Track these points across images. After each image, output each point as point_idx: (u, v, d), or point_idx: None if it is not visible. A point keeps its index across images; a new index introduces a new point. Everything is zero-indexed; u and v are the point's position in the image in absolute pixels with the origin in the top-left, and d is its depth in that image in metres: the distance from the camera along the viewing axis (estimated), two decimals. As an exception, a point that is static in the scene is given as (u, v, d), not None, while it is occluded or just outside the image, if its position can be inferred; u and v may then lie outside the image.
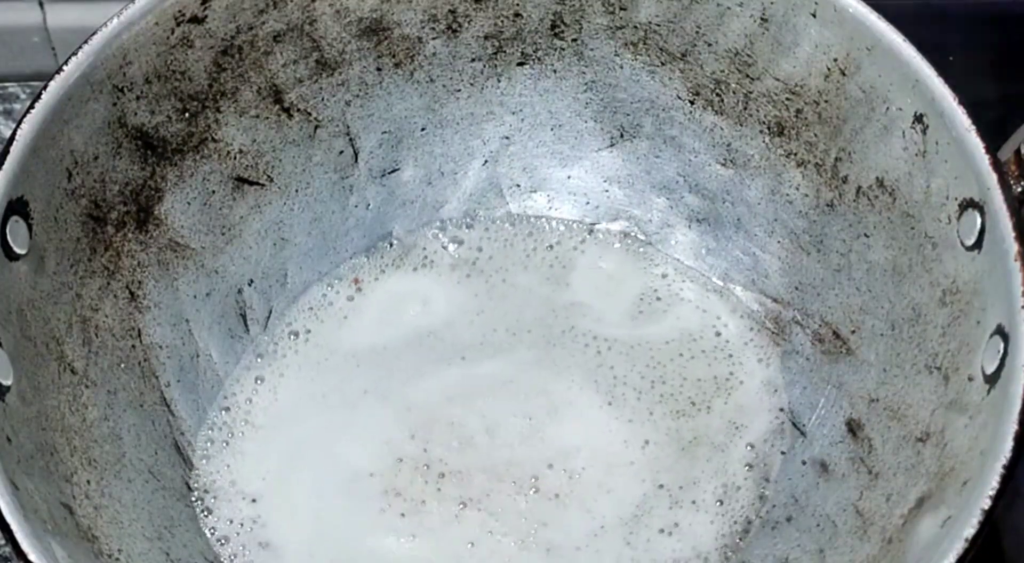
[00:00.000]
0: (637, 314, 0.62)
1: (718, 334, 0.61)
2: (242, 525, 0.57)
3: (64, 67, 0.52)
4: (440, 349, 0.61)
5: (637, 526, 0.57)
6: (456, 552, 0.57)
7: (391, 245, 0.63)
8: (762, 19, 0.56)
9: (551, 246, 0.63)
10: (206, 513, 0.57)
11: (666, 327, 0.61)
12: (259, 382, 0.60)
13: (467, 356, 0.61)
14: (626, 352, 0.61)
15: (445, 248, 0.63)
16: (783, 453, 0.58)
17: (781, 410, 0.59)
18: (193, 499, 0.57)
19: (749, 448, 0.58)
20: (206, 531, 0.57)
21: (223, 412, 0.59)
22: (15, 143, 0.50)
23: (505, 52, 0.60)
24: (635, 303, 0.62)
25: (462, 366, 0.61)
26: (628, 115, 0.61)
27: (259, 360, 0.61)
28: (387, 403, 0.60)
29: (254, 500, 0.58)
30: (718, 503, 0.57)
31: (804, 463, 0.57)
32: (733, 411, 0.59)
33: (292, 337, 0.61)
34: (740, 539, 0.57)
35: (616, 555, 0.56)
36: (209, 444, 0.59)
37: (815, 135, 0.57)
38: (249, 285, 0.61)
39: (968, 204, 0.50)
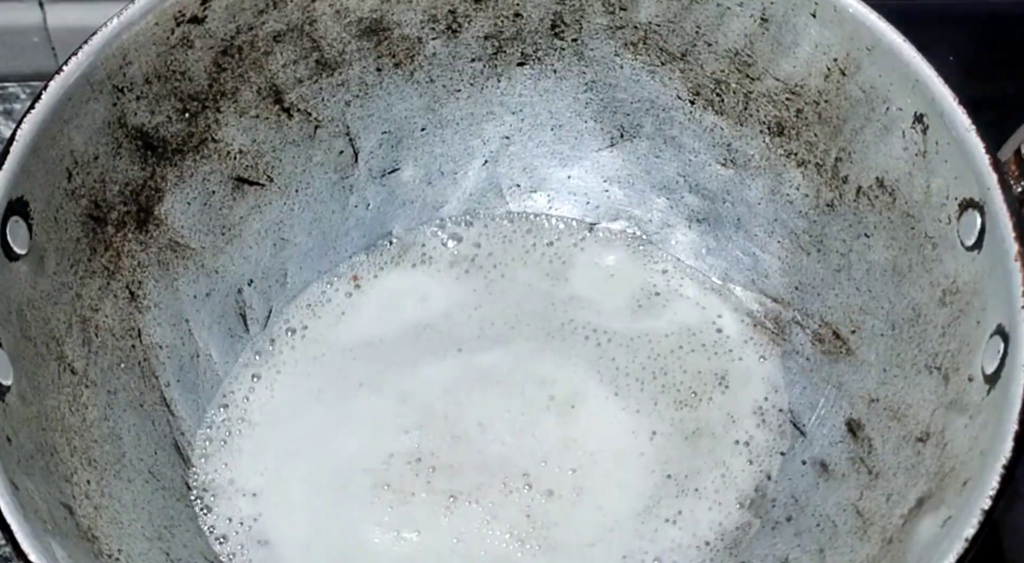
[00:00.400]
0: (636, 308, 0.62)
1: (719, 330, 0.61)
2: (241, 523, 0.57)
3: (64, 67, 0.52)
4: (437, 341, 0.61)
5: (648, 517, 0.57)
6: (459, 548, 0.57)
7: (391, 243, 0.63)
8: (762, 19, 0.56)
9: (551, 242, 0.63)
10: (205, 511, 0.57)
11: (665, 321, 0.61)
12: (256, 379, 0.60)
13: (464, 348, 0.61)
14: (626, 344, 0.61)
15: (444, 245, 0.63)
16: (783, 453, 0.58)
17: (781, 410, 0.59)
18: (192, 498, 0.57)
19: (747, 446, 0.58)
20: (205, 529, 0.57)
21: (221, 410, 0.59)
22: (15, 143, 0.50)
23: (505, 52, 0.60)
24: (634, 297, 0.62)
25: (459, 357, 0.60)
26: (628, 115, 0.61)
27: (257, 357, 0.61)
28: (382, 395, 0.60)
29: (253, 497, 0.58)
30: (720, 491, 0.57)
31: (804, 463, 0.57)
32: (733, 404, 0.59)
33: (289, 334, 0.61)
34: (741, 528, 0.57)
35: (626, 546, 0.56)
36: (207, 443, 0.59)
37: (815, 135, 0.57)
38: (249, 285, 0.61)
39: (968, 204, 0.50)
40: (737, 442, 0.58)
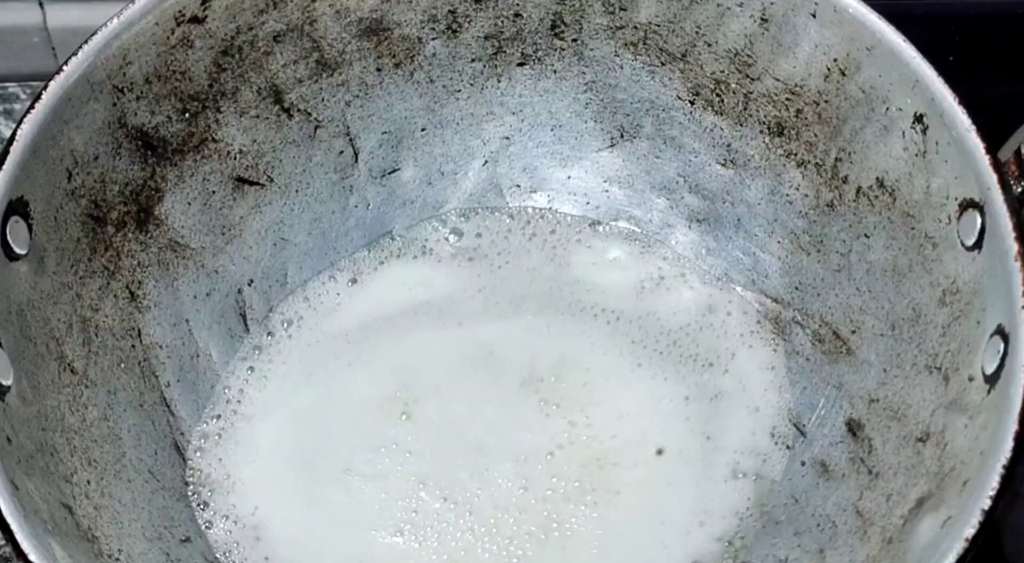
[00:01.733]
0: (641, 290, 0.62)
1: (729, 313, 0.61)
2: (236, 522, 0.57)
3: (64, 67, 0.52)
4: (436, 315, 0.61)
5: (703, 480, 0.57)
6: (461, 542, 0.57)
7: (392, 239, 0.63)
8: (762, 19, 0.56)
9: (553, 230, 0.63)
10: (202, 507, 0.57)
11: (672, 302, 0.61)
12: (250, 371, 0.60)
13: (465, 322, 0.61)
14: (636, 321, 0.61)
15: (446, 239, 0.63)
16: (788, 446, 0.58)
17: (780, 409, 0.59)
18: (190, 495, 0.57)
19: (758, 410, 0.59)
20: (202, 525, 0.57)
21: (217, 405, 0.59)
22: (15, 143, 0.50)
23: (505, 52, 0.60)
24: (639, 282, 0.62)
25: (458, 330, 0.60)
26: (628, 115, 0.61)
27: (254, 351, 0.61)
28: (375, 374, 0.59)
29: (248, 493, 0.58)
30: (741, 450, 0.58)
31: (804, 463, 0.57)
32: (744, 376, 0.59)
33: (286, 325, 0.61)
34: (770, 488, 0.57)
35: (686, 517, 0.57)
36: (203, 439, 0.59)
37: (815, 135, 0.57)
38: (249, 285, 0.61)
39: (968, 204, 0.50)
40: (747, 406, 0.59)
